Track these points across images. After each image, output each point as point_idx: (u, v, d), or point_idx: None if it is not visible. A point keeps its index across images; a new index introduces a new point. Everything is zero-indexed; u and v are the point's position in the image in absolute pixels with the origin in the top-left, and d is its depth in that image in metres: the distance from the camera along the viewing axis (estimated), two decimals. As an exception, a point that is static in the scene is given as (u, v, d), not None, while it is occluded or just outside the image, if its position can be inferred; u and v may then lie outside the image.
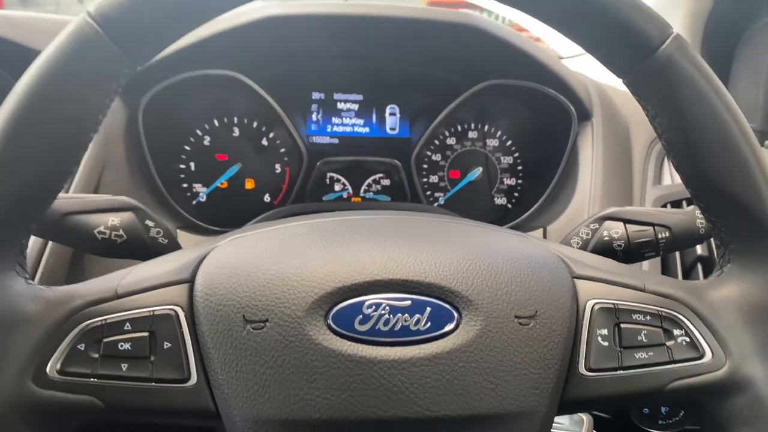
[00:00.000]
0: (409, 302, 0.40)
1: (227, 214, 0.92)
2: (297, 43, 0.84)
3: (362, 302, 0.40)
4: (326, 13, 0.79)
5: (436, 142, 0.95)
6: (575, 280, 0.44)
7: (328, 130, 0.94)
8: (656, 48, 0.41)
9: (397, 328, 0.40)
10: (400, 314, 0.40)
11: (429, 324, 0.40)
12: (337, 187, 0.95)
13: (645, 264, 0.74)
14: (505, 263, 0.43)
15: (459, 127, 0.96)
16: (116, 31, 0.38)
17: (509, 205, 0.98)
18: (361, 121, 0.94)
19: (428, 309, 0.40)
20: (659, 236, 0.56)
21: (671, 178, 0.86)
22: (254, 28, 0.77)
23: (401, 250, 0.43)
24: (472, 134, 0.96)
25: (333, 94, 0.94)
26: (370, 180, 0.95)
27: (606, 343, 0.42)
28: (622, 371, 0.42)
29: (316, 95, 0.94)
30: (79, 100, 0.39)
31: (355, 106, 0.94)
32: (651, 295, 0.44)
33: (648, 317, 0.43)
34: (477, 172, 0.96)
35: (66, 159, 0.40)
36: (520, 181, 0.97)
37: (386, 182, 0.95)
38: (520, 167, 0.97)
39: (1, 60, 0.73)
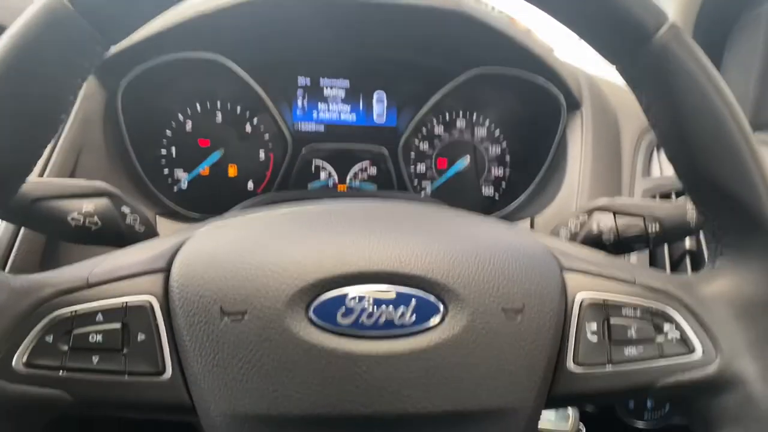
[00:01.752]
0: (394, 294, 0.39)
1: (209, 201, 0.89)
2: (282, 26, 0.82)
3: (345, 294, 0.38)
4: None
5: (424, 130, 0.94)
6: (564, 273, 0.43)
7: (314, 116, 0.92)
8: (651, 36, 0.40)
9: (381, 321, 0.38)
10: (384, 306, 0.38)
11: (414, 317, 0.39)
12: (323, 175, 0.93)
13: (633, 257, 0.73)
14: (493, 255, 0.42)
15: (447, 116, 0.94)
16: (88, 8, 0.36)
17: (497, 196, 0.97)
18: (347, 108, 0.93)
19: (413, 301, 0.39)
20: (649, 229, 0.55)
21: (660, 170, 0.85)
22: (238, 10, 0.75)
23: (386, 241, 0.41)
24: (460, 123, 0.95)
25: (319, 79, 0.92)
26: (356, 168, 0.93)
27: (595, 339, 0.41)
28: (611, 366, 0.41)
29: (302, 81, 0.92)
30: (47, 79, 0.37)
31: (342, 93, 0.92)
32: (641, 289, 0.43)
33: (638, 312, 0.42)
34: (464, 161, 0.95)
35: (33, 141, 0.38)
36: (508, 171, 0.96)
37: (373, 171, 0.93)
38: (508, 157, 0.96)
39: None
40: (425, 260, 0.40)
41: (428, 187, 0.95)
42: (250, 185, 0.92)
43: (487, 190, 0.96)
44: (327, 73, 0.91)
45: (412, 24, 0.81)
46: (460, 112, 0.94)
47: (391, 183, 0.92)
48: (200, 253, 0.40)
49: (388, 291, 0.39)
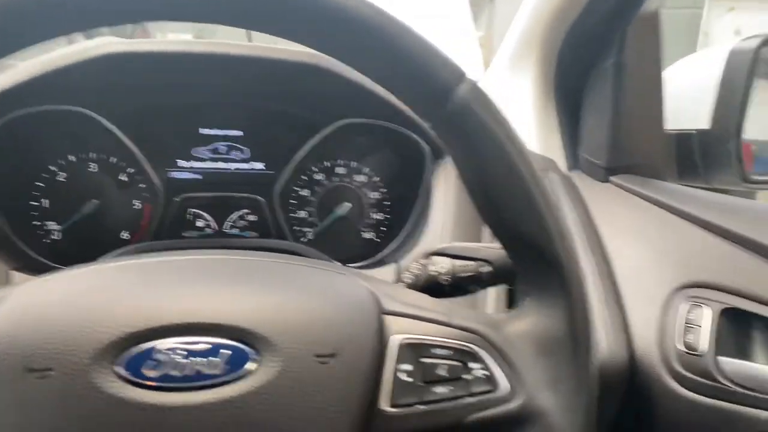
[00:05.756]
0: (204, 346, 0.40)
1: (83, 253, 0.88)
2: (149, 79, 0.83)
3: (153, 347, 0.39)
4: (174, 51, 0.78)
5: (304, 177, 0.96)
6: (384, 316, 0.45)
7: (189, 165, 0.93)
8: (451, 92, 0.43)
9: (190, 372, 0.39)
10: (193, 358, 0.39)
11: (225, 367, 0.40)
12: (200, 223, 0.93)
13: (490, 296, 0.77)
14: (310, 301, 0.43)
15: (327, 163, 0.97)
16: None
17: (378, 240, 0.99)
18: (224, 157, 0.94)
19: (225, 352, 0.40)
20: (482, 270, 0.58)
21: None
22: (98, 64, 0.76)
23: (201, 293, 0.42)
24: (340, 170, 0.98)
25: (197, 129, 0.93)
26: (235, 216, 0.94)
27: (409, 379, 0.43)
28: (422, 406, 0.43)
29: (177, 130, 0.93)
30: None
31: (218, 142, 0.94)
32: (455, 330, 0.45)
33: (449, 351, 0.44)
34: (345, 207, 0.97)
35: None
36: (387, 216, 0.99)
37: (253, 218, 0.94)
38: (387, 202, 0.99)
39: None
40: (239, 310, 0.41)
41: (310, 233, 0.97)
42: (125, 235, 0.91)
43: (368, 235, 0.99)
44: (201, 123, 0.93)
45: (274, 76, 0.84)
46: (340, 160, 0.97)
47: (269, 230, 0.93)
48: (12, 311, 0.40)
49: (199, 342, 0.40)
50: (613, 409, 0.73)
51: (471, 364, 0.44)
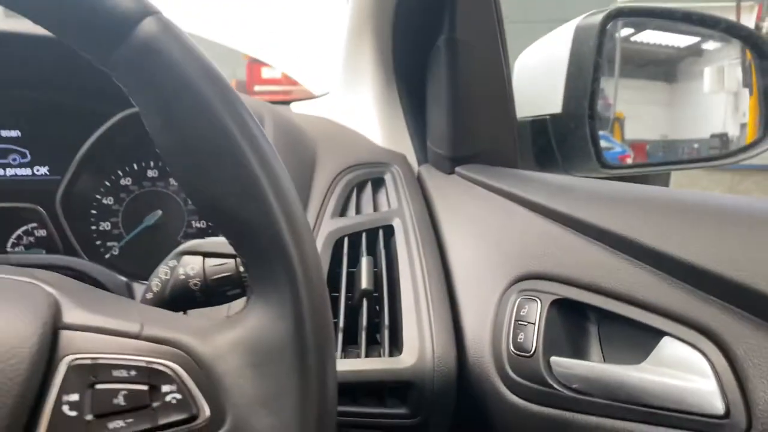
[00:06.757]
0: None
1: None
2: None
3: None
4: None
5: (107, 183, 0.82)
6: (61, 331, 0.33)
7: (-52, 173, 0.77)
8: (132, 29, 0.33)
9: None
10: None
11: None
12: (-25, 242, 0.78)
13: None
14: None
15: (135, 166, 0.83)
16: None
17: (201, 250, 0.86)
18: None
19: None
20: (241, 269, 0.46)
21: (359, 211, 0.80)
22: None
23: None
24: (152, 173, 0.84)
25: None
26: (19, 231, 0.79)
27: (74, 413, 0.31)
28: None
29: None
30: None
31: (-10, 144, 0.79)
32: (146, 343, 0.34)
33: (133, 372, 0.32)
34: (156, 215, 0.84)
35: None
36: (210, 223, 0.87)
37: (42, 233, 0.80)
38: (210, 206, 0.86)
39: None
40: None
41: (115, 246, 0.83)
42: None
43: (189, 245, 0.86)
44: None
45: (45, 60, 0.70)
46: (151, 162, 0.84)
47: (56, 246, 0.79)
48: None
49: None
50: (444, 419, 0.63)
51: (164, 387, 0.32)
